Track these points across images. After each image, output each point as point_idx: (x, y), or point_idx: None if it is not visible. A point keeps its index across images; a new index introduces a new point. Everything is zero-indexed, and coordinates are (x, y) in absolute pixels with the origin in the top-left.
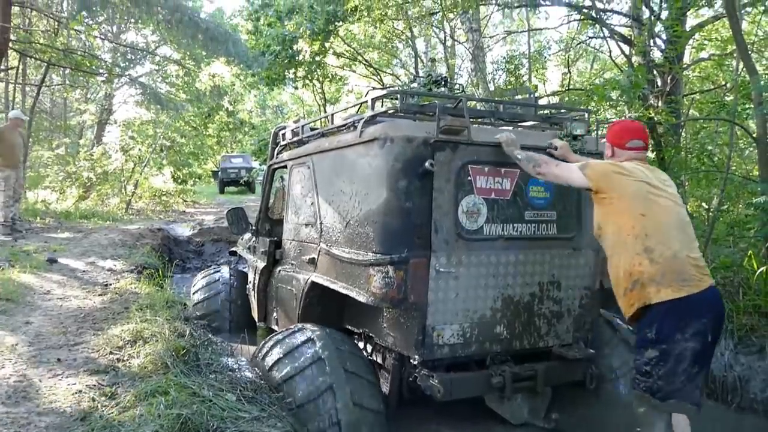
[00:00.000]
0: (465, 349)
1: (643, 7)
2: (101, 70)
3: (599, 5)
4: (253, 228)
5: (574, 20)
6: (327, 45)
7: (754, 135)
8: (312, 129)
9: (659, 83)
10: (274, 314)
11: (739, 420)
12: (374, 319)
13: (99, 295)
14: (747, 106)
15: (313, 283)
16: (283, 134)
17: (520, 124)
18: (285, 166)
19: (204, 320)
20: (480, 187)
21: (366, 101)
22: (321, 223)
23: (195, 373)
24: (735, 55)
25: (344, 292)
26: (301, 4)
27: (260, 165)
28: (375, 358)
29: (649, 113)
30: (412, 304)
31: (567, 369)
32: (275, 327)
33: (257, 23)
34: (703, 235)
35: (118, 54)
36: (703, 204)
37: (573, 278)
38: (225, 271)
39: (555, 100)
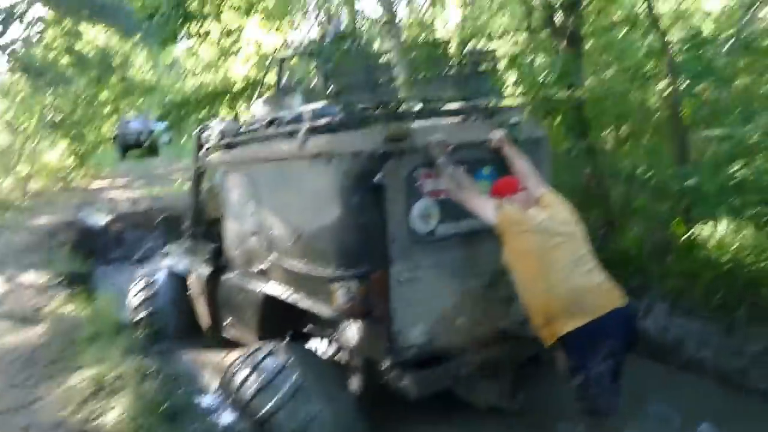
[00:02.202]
0: (431, 345)
1: None
2: None
3: None
4: (189, 232)
5: None
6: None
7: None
8: (240, 133)
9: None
10: (225, 321)
11: (677, 378)
12: (339, 326)
13: (33, 324)
14: None
15: (268, 296)
16: (207, 136)
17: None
18: (216, 170)
19: (145, 324)
20: (430, 190)
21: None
22: (268, 234)
23: (176, 429)
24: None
25: (304, 306)
26: None
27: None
28: (340, 359)
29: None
30: (378, 315)
31: (525, 346)
32: (227, 335)
33: None
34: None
35: None
36: None
37: None
38: (162, 274)
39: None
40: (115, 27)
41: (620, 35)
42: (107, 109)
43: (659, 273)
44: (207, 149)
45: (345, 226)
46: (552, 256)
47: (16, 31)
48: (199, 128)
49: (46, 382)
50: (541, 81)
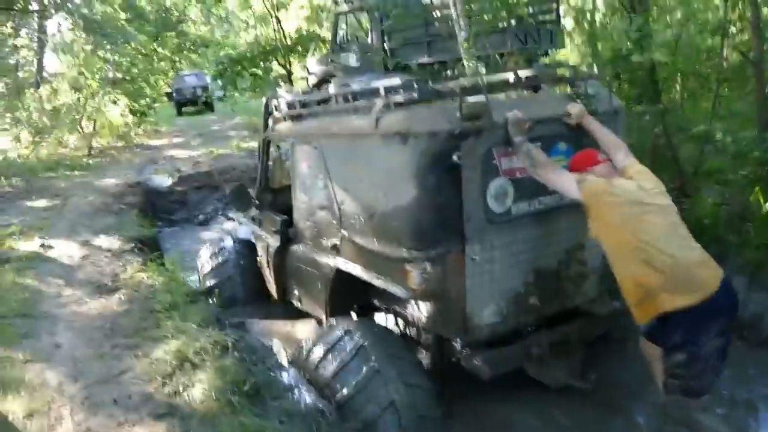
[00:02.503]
0: (503, 325)
1: None
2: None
3: None
4: (256, 201)
5: None
6: None
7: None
8: (310, 104)
9: None
10: (295, 292)
11: (756, 355)
12: (408, 303)
13: (112, 292)
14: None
15: (339, 270)
16: (276, 106)
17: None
18: (285, 140)
19: (216, 291)
20: (506, 169)
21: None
22: (339, 210)
23: (259, 407)
24: None
25: (379, 285)
26: None
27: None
28: (409, 333)
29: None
30: (453, 295)
31: (596, 324)
32: (297, 303)
33: None
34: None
35: None
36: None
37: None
38: (229, 240)
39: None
40: None
41: None
42: (164, 65)
43: (737, 244)
44: (276, 119)
45: (421, 206)
46: (648, 227)
47: None
48: (267, 96)
49: (131, 353)
50: (617, 47)
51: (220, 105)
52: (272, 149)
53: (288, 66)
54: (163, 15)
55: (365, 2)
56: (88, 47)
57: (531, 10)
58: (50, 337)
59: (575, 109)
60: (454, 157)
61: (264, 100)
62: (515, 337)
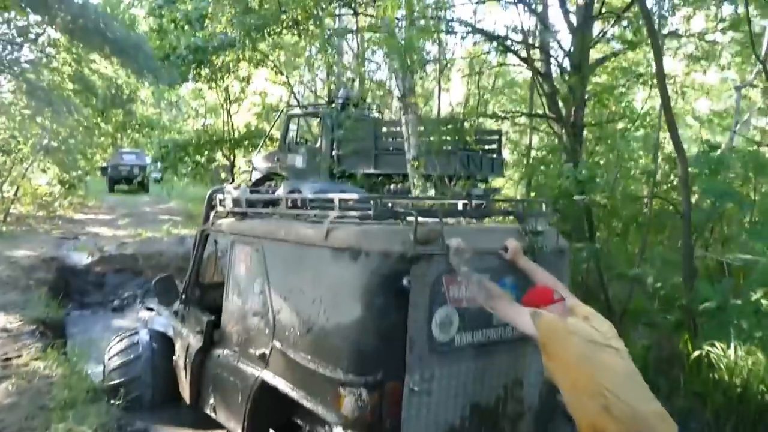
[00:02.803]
0: None
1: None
2: None
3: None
4: (183, 296)
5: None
6: (239, 54)
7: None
8: (257, 204)
9: (563, 113)
10: (211, 400)
11: None
12: (335, 428)
13: (2, 379)
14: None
15: (264, 383)
16: (221, 200)
17: (483, 218)
18: (224, 237)
19: (121, 390)
20: (453, 297)
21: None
22: (274, 318)
23: None
24: (657, 124)
25: (307, 406)
26: (215, 12)
27: (152, 162)
28: None
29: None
30: (387, 427)
31: None
32: (212, 413)
33: (161, 20)
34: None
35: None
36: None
37: (534, 375)
38: (143, 334)
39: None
40: (132, 66)
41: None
42: (104, 140)
43: (667, 389)
44: (218, 213)
45: (363, 327)
46: (605, 370)
47: (25, 51)
48: (213, 189)
49: None
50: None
51: (156, 187)
52: (208, 245)
53: (232, 158)
54: (113, 92)
55: (319, 109)
56: (27, 111)
57: (477, 137)
58: None
59: (512, 244)
60: (404, 281)
61: (209, 192)
62: None
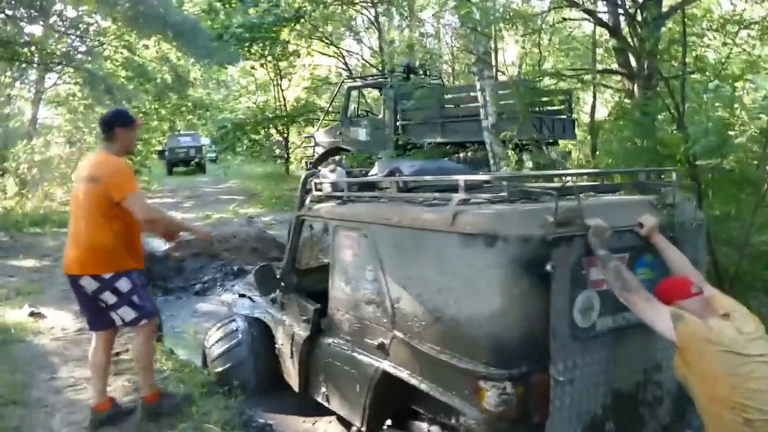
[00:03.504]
0: None
1: None
2: (37, 58)
3: None
4: (283, 284)
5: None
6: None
7: None
8: (360, 187)
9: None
10: (323, 389)
11: None
12: (463, 418)
13: (116, 375)
14: None
15: (386, 374)
16: (316, 185)
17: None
18: (324, 222)
19: (227, 377)
20: (594, 280)
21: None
22: (393, 307)
23: None
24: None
25: (440, 398)
26: None
27: (211, 143)
28: None
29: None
30: (535, 421)
31: None
32: (323, 401)
33: (212, 0)
34: None
35: (56, 37)
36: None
37: (672, 358)
38: (240, 321)
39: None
40: (192, 49)
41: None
42: (162, 124)
43: None
44: (315, 198)
45: (504, 317)
46: (748, 383)
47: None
48: (307, 173)
49: None
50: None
51: (212, 167)
52: (304, 230)
53: (286, 134)
54: (169, 76)
55: (379, 80)
56: (87, 101)
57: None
58: None
59: (650, 221)
60: (548, 266)
61: (303, 176)
62: None
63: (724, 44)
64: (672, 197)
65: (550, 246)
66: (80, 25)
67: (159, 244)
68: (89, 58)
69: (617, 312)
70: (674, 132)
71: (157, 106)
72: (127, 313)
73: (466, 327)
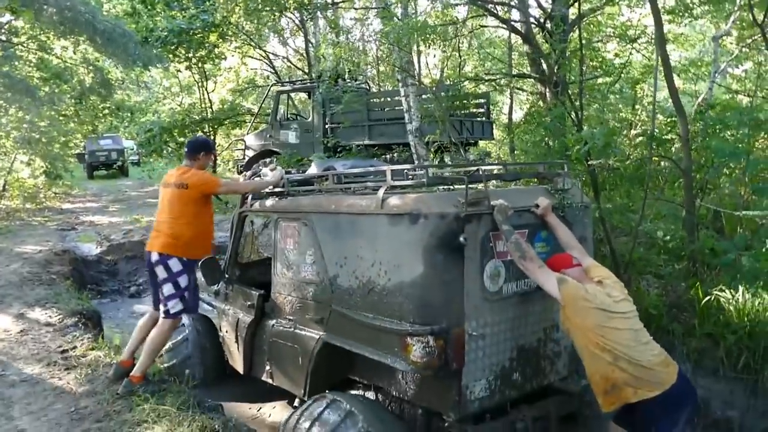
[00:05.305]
0: (490, 400)
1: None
2: None
3: None
4: (226, 275)
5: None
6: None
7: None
8: (298, 183)
9: (546, 71)
10: (267, 367)
11: None
12: (395, 377)
13: (67, 370)
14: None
15: (325, 344)
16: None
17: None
18: (265, 216)
19: (175, 371)
20: (499, 251)
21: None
22: (331, 284)
23: None
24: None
25: (374, 358)
26: None
27: (134, 146)
28: (392, 409)
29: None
30: (452, 369)
31: (569, 401)
32: (268, 379)
33: (134, 3)
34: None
35: None
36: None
37: None
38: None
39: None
40: (122, 55)
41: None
42: (83, 127)
43: (681, 333)
44: (254, 196)
45: (427, 283)
46: (614, 334)
47: None
48: (249, 172)
49: None
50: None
51: (135, 171)
52: (246, 225)
53: (213, 137)
54: (90, 78)
55: (308, 85)
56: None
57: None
58: (8, 422)
59: (544, 202)
60: (461, 239)
61: (244, 175)
62: (498, 412)
63: (619, 54)
64: (563, 184)
65: (463, 222)
66: None
67: (89, 248)
68: (2, 60)
69: (519, 279)
70: (573, 134)
71: (75, 108)
72: (168, 290)
73: (394, 294)
